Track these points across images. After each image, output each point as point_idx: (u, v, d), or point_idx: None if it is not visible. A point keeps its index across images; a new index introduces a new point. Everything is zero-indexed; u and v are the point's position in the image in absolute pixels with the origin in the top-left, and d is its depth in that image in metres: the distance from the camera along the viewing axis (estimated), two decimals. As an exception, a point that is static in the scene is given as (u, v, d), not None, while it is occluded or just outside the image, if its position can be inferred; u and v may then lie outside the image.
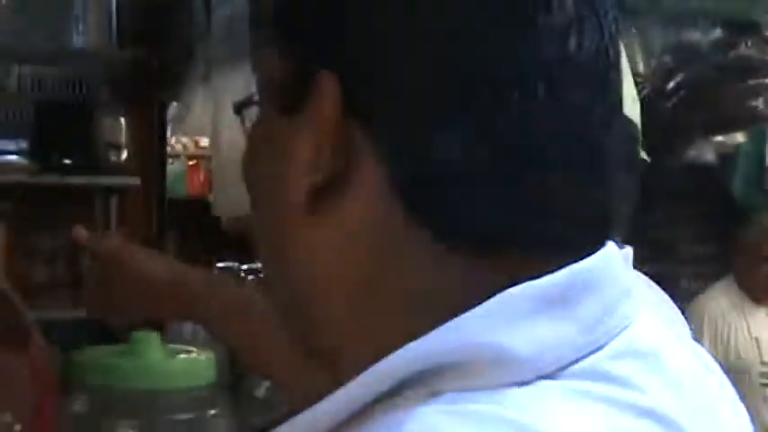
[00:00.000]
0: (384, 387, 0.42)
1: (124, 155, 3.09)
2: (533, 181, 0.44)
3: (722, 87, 3.48)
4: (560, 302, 0.43)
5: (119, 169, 3.07)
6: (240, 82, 2.33)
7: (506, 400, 0.41)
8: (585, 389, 0.43)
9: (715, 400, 0.52)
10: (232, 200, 2.47)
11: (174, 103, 3.20)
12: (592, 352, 0.44)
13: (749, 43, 3.51)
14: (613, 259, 0.46)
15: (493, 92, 0.43)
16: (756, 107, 3.46)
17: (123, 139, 3.08)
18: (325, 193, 0.45)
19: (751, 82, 3.48)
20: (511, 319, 0.42)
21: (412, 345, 0.42)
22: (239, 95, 0.54)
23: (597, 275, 0.45)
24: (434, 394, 0.42)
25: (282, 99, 0.47)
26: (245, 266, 2.66)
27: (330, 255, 0.46)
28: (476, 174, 0.43)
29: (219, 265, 2.81)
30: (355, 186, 0.45)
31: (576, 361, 0.43)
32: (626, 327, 0.46)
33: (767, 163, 3.71)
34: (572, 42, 0.44)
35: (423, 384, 0.42)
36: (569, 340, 0.43)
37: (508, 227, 0.44)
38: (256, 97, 0.50)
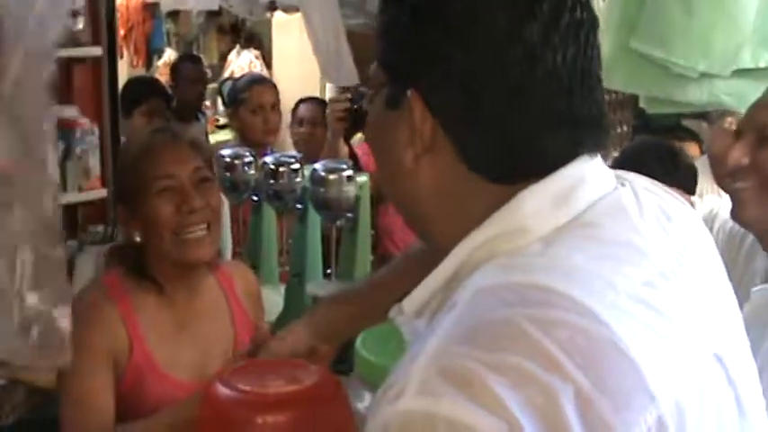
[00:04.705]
0: (461, 259, 0.80)
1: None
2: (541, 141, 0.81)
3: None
4: (554, 197, 0.80)
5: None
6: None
7: (527, 252, 0.78)
8: (572, 233, 0.79)
9: (686, 242, 0.86)
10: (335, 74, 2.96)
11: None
12: (574, 218, 0.80)
13: None
14: (587, 166, 0.82)
15: (502, 94, 0.79)
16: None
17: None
18: (419, 157, 0.82)
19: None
20: (522, 207, 0.80)
21: (473, 233, 0.80)
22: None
23: (575, 177, 0.81)
24: (491, 257, 0.78)
25: (387, 100, 0.85)
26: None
27: (427, 187, 0.84)
28: (499, 139, 0.80)
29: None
30: (436, 153, 0.82)
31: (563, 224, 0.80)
32: (593, 202, 0.82)
33: None
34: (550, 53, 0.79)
35: (484, 253, 0.79)
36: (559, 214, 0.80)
37: (520, 166, 0.81)
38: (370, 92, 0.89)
